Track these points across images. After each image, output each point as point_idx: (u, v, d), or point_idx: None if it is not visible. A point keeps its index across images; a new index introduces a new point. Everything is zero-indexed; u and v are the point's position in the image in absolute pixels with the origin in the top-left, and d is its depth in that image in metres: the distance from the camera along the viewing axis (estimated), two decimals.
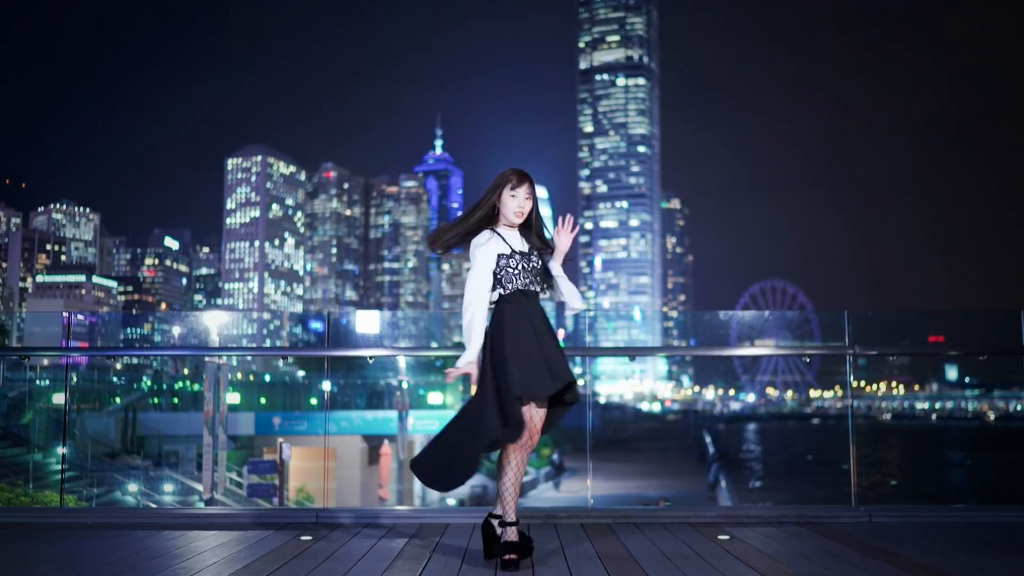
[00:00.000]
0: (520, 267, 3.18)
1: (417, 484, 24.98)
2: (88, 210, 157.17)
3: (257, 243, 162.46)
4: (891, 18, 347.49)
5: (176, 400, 26.10)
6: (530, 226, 3.28)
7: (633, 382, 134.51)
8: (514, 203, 3.21)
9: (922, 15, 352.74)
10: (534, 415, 3.09)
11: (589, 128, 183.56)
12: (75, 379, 15.60)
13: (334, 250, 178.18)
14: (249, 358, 25.69)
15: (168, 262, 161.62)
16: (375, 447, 22.22)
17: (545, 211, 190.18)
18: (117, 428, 21.00)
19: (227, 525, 4.04)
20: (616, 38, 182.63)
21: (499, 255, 3.18)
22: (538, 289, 3.22)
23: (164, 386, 26.94)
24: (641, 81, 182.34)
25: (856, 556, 3.23)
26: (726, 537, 3.61)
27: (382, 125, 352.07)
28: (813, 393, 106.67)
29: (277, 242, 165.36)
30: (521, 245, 3.24)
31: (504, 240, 3.22)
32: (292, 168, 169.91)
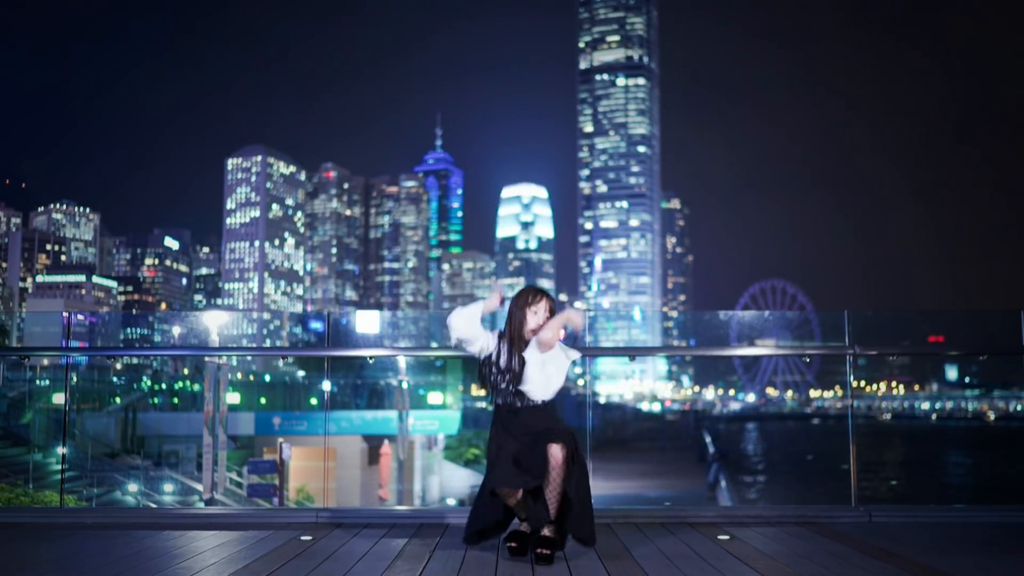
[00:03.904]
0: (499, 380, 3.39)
1: (417, 484, 25.02)
2: (88, 210, 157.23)
3: (257, 243, 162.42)
4: (892, 18, 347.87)
5: (176, 400, 26.08)
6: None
7: (633, 382, 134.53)
8: (532, 320, 3.40)
9: (923, 15, 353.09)
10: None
11: (589, 128, 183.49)
12: (75, 379, 15.60)
13: (334, 250, 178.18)
14: (249, 358, 25.67)
15: (168, 262, 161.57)
16: (375, 447, 22.19)
17: (545, 211, 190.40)
18: (117, 428, 20.98)
19: (227, 525, 4.04)
20: (616, 38, 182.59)
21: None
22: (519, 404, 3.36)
23: (164, 386, 26.92)
24: (641, 81, 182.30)
25: (856, 556, 3.23)
26: (726, 537, 3.61)
27: (382, 125, 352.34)
28: (813, 393, 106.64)
29: (277, 242, 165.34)
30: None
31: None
32: (292, 168, 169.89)
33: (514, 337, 3.35)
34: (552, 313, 3.37)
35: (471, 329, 3.36)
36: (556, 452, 3.18)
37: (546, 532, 3.19)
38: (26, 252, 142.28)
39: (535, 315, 3.34)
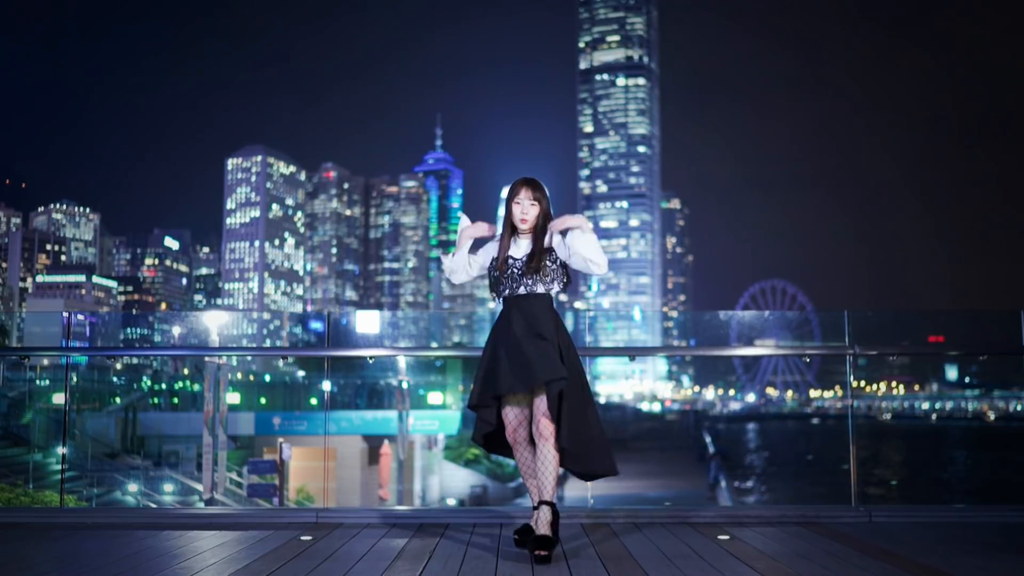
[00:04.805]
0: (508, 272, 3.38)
1: (417, 484, 25.03)
2: (88, 210, 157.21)
3: (257, 243, 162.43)
4: (892, 17, 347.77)
5: (176, 400, 26.09)
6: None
7: (633, 382, 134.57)
8: (517, 210, 3.40)
9: (923, 14, 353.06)
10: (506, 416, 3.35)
11: (589, 128, 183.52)
12: (75, 379, 15.59)
13: (334, 250, 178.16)
14: (249, 358, 25.69)
15: (168, 262, 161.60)
16: (375, 447, 22.22)
17: None
18: (117, 428, 20.98)
19: (227, 525, 4.04)
20: (616, 38, 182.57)
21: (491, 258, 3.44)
22: (527, 292, 3.34)
23: (164, 386, 26.93)
24: (641, 81, 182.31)
25: (856, 556, 3.23)
26: (726, 537, 3.61)
27: (382, 125, 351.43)
28: (813, 393, 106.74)
29: (277, 242, 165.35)
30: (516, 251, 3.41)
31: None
32: (292, 168, 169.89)
33: (506, 228, 3.40)
34: (536, 200, 3.37)
35: (459, 259, 3.44)
36: (545, 429, 3.23)
37: (544, 531, 3.18)
38: (26, 252, 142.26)
39: (518, 204, 3.37)
